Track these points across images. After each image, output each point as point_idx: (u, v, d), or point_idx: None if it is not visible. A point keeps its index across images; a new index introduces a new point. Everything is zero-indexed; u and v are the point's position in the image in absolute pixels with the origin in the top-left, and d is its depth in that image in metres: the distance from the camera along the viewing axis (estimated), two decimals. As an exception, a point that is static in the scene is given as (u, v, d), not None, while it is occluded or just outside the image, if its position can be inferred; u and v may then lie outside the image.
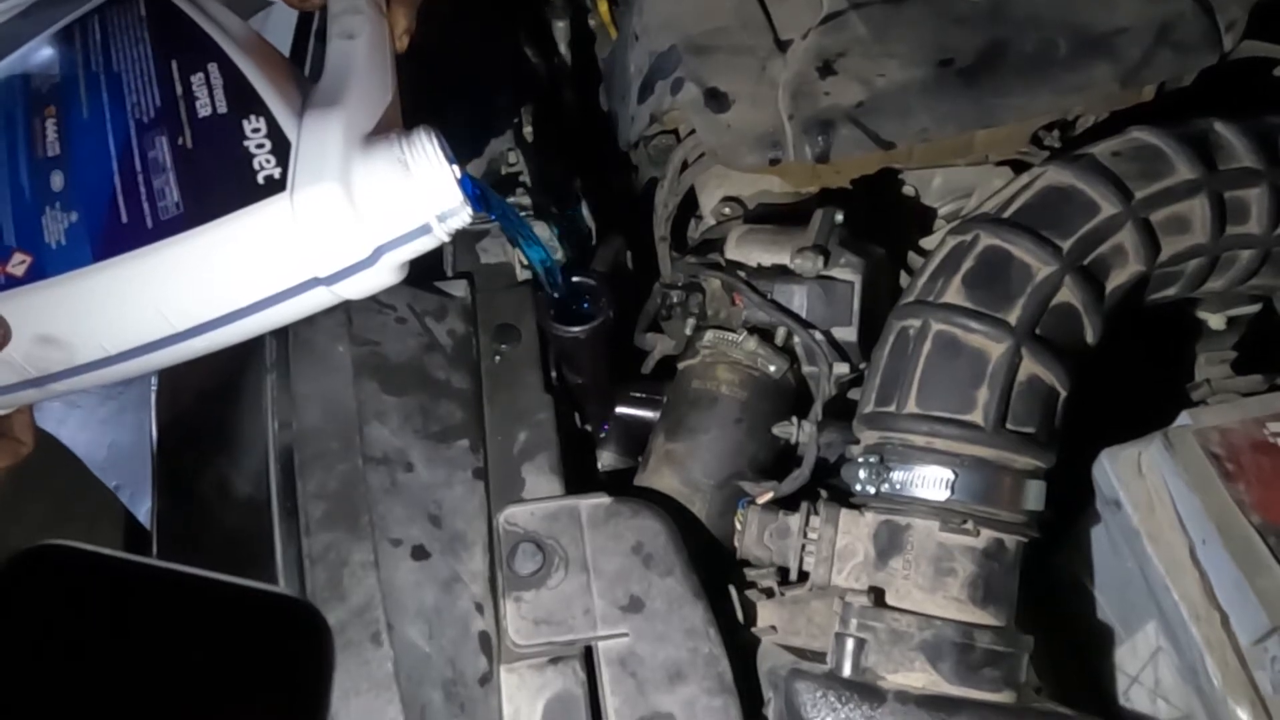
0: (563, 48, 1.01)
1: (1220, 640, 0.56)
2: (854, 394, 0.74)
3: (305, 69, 0.80)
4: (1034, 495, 0.59)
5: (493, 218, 0.68)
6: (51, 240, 0.53)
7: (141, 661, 0.25)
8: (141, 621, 0.25)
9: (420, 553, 0.63)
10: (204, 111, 0.56)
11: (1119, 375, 0.67)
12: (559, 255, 0.77)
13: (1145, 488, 0.61)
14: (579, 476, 0.70)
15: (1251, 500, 0.57)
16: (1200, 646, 0.56)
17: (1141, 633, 0.63)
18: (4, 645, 0.25)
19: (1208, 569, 0.57)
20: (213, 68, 0.57)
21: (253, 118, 0.55)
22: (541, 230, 0.75)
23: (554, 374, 0.75)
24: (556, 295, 0.73)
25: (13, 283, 0.53)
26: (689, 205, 0.87)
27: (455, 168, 0.55)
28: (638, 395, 0.79)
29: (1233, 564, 0.55)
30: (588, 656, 0.61)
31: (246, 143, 0.54)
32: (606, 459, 0.79)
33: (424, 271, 0.73)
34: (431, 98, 0.73)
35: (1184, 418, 0.61)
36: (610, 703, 0.59)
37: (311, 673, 0.25)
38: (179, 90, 0.56)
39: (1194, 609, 0.57)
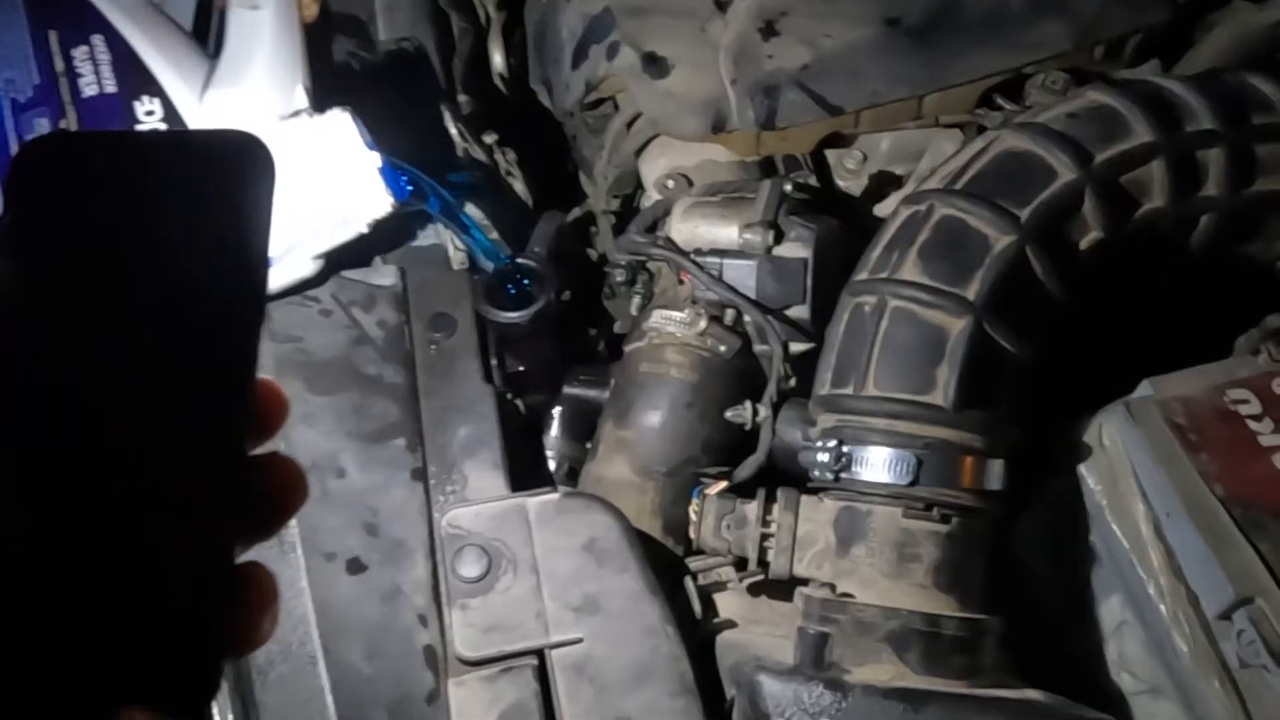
0: (490, 9, 0.95)
1: (1187, 614, 0.55)
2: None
3: (210, 45, 0.74)
4: (997, 475, 0.58)
5: (423, 204, 0.63)
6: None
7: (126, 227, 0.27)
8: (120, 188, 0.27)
9: (356, 565, 0.60)
10: (89, 91, 0.52)
11: (1084, 344, 0.66)
12: (494, 235, 0.73)
13: (1107, 459, 0.60)
14: (526, 470, 0.67)
15: (1215, 471, 0.56)
16: (1166, 621, 0.56)
17: (1105, 606, 0.62)
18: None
19: (1173, 543, 0.56)
20: (98, 41, 0.53)
21: (145, 98, 0.53)
22: (475, 212, 0.71)
23: (494, 363, 0.71)
24: (494, 279, 0.69)
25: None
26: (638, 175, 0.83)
27: (376, 153, 0.51)
28: (586, 376, 0.75)
29: (1199, 537, 0.55)
30: (541, 663, 0.58)
31: (139, 126, 0.51)
32: (554, 444, 0.76)
33: (348, 259, 0.69)
34: (347, 72, 0.68)
35: (1145, 387, 0.60)
36: (567, 711, 0.56)
37: (250, 196, 0.27)
38: (59, 66, 0.52)
39: (1159, 583, 0.57)
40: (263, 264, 0.27)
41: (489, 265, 0.69)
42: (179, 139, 0.30)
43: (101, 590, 0.24)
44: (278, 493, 0.28)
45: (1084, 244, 0.59)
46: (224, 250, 0.26)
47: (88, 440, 0.25)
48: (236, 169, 0.27)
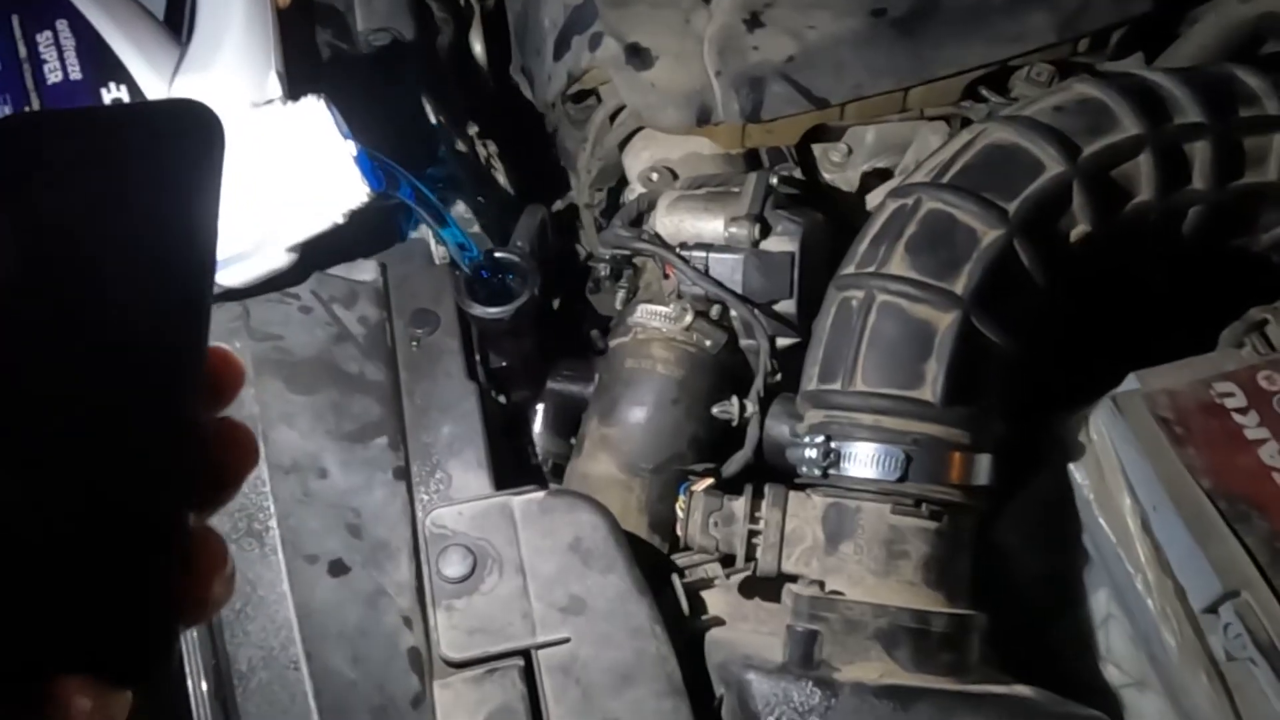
0: (471, -3, 0.94)
1: (1174, 608, 0.55)
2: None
3: (183, 31, 0.72)
4: (985, 470, 0.58)
5: (399, 196, 0.62)
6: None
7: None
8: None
9: (339, 568, 0.58)
10: (54, 77, 0.50)
11: (1071, 337, 0.66)
12: (475, 229, 0.71)
13: (1094, 453, 0.60)
14: (510, 467, 0.66)
15: (1201, 465, 0.56)
16: (1154, 615, 0.56)
17: (1092, 599, 0.62)
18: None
19: (1160, 537, 0.56)
20: (62, 26, 0.51)
21: (112, 85, 0.51)
22: (456, 206, 0.70)
23: (478, 359, 0.70)
24: (475, 274, 0.68)
25: None
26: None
27: (351, 142, 0.49)
28: (570, 371, 0.74)
29: (1185, 531, 0.54)
30: (528, 664, 0.57)
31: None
32: (538, 440, 0.75)
33: (328, 254, 0.67)
34: (324, 62, 0.67)
35: (1131, 381, 0.60)
36: (554, 713, 0.55)
37: (197, 169, 0.27)
38: (22, 52, 0.51)
39: (1146, 577, 0.56)
40: (213, 229, 0.26)
41: (470, 261, 0.67)
42: (125, 111, 0.31)
43: (37, 555, 0.23)
44: (228, 456, 0.27)
45: (1072, 237, 0.59)
46: (173, 216, 0.26)
47: (31, 402, 0.25)
48: (184, 135, 0.27)
